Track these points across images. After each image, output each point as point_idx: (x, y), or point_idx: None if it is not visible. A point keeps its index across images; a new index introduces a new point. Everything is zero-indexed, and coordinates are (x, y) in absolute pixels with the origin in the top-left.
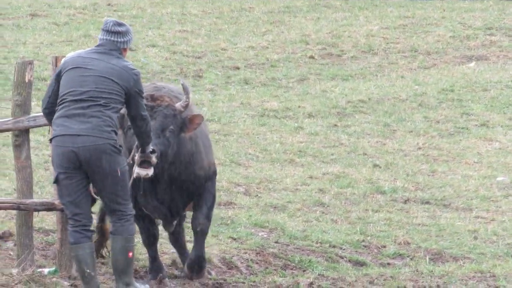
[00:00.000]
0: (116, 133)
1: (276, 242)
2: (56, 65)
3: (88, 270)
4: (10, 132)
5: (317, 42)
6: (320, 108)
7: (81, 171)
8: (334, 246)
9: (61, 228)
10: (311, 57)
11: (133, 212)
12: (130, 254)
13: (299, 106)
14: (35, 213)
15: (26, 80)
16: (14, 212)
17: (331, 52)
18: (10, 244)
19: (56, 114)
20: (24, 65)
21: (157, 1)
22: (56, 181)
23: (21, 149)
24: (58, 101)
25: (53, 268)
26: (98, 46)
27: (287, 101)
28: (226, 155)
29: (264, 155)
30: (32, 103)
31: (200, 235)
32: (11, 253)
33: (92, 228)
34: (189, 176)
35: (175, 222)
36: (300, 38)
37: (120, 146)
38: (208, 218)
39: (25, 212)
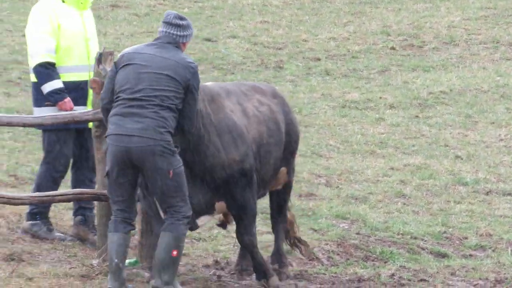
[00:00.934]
0: (170, 134)
1: (357, 234)
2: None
3: (116, 260)
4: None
5: (398, 33)
6: (401, 99)
7: (133, 170)
8: (415, 238)
9: (142, 219)
10: (392, 48)
11: (189, 213)
12: (175, 252)
13: (380, 97)
14: None
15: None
16: (95, 203)
17: (413, 43)
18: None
19: (112, 111)
20: (104, 56)
21: None
22: (107, 176)
23: (102, 140)
24: (114, 97)
25: (134, 259)
26: (156, 39)
27: (368, 92)
28: (307, 147)
29: (345, 147)
30: None
31: (248, 249)
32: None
33: (133, 222)
34: (204, 171)
35: (200, 222)
36: (381, 29)
37: (176, 146)
38: (249, 233)
39: (105, 203)
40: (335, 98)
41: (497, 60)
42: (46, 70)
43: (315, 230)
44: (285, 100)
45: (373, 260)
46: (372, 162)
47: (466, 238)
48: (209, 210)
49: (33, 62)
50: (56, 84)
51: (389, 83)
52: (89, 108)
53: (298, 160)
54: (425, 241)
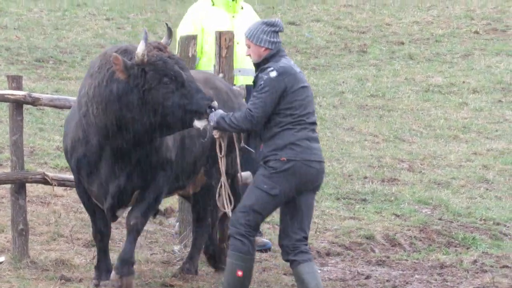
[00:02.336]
0: None
1: (440, 219)
2: (220, 40)
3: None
4: None
5: (482, 17)
6: (484, 83)
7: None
8: (498, 224)
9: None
10: (476, 32)
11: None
12: (239, 273)
13: (463, 82)
14: None
15: (190, 55)
16: None
17: (496, 27)
18: (172, 220)
19: (298, 134)
20: (187, 40)
21: None
22: (275, 196)
23: None
24: (292, 119)
25: None
26: (281, 51)
27: (451, 77)
28: (390, 131)
29: (428, 131)
30: None
31: (131, 232)
32: (173, 230)
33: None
34: (144, 157)
35: (121, 213)
36: (465, 13)
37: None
38: (145, 215)
39: None
40: (418, 83)
41: None
42: None
43: (397, 216)
44: (236, 104)
45: (455, 246)
46: (455, 147)
47: None
48: (127, 200)
49: None
50: None
51: (473, 67)
52: None
53: (381, 145)
54: (508, 227)
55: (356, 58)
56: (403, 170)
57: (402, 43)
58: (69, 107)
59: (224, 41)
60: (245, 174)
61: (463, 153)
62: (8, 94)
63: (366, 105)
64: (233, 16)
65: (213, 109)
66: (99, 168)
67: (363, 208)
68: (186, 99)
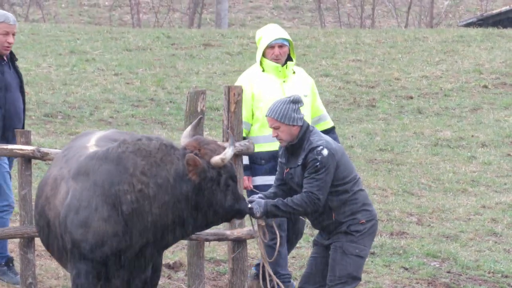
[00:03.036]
0: None
1: (448, 272)
2: (229, 95)
3: None
4: None
5: (491, 72)
6: (493, 137)
7: None
8: (506, 276)
9: (232, 258)
10: (485, 86)
11: None
12: None
13: (472, 136)
14: (206, 243)
15: (199, 110)
16: (185, 242)
17: (505, 81)
18: (181, 274)
19: (364, 194)
20: (196, 94)
21: (331, 31)
22: (365, 257)
23: None
24: (354, 182)
25: None
26: (310, 126)
27: (460, 131)
28: (399, 185)
29: (436, 185)
30: (205, 133)
31: None
32: (182, 283)
33: None
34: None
35: None
36: (474, 67)
37: None
38: None
39: (196, 242)
40: (427, 137)
41: None
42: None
43: (406, 269)
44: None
45: None
46: (463, 200)
47: None
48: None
49: None
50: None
51: (481, 121)
52: None
53: (389, 198)
54: None
55: (365, 113)
56: (412, 223)
57: (411, 98)
58: None
59: (233, 96)
60: None
61: (471, 206)
62: (17, 149)
63: (375, 159)
64: (283, 81)
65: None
66: (131, 262)
67: (372, 261)
68: (235, 200)
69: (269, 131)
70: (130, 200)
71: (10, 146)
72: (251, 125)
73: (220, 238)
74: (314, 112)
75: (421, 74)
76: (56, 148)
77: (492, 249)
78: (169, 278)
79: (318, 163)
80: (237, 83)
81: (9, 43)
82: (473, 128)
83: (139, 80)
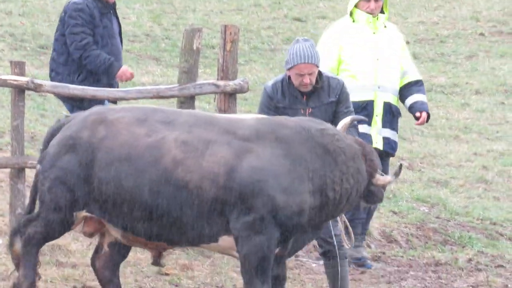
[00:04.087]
0: None
1: (437, 217)
2: (225, 34)
3: None
4: (176, 98)
5: (488, 19)
6: (487, 85)
7: None
8: (495, 223)
9: None
10: (481, 34)
11: None
12: None
13: (466, 83)
14: None
15: (194, 48)
16: None
17: (502, 29)
18: None
19: None
20: (192, 32)
21: None
22: None
23: None
24: None
25: None
26: None
27: (455, 77)
28: None
29: (429, 130)
30: (199, 71)
31: None
32: None
33: None
34: None
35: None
36: (471, 14)
37: None
38: None
39: None
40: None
41: None
42: None
43: (395, 213)
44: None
45: (451, 245)
46: (455, 146)
47: None
48: None
49: None
50: None
51: (476, 69)
52: (372, 130)
53: None
54: (505, 227)
55: None
56: (403, 168)
57: (407, 43)
58: (71, 95)
59: (229, 35)
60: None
61: (463, 153)
62: (11, 80)
63: None
64: (374, 33)
65: None
66: (300, 237)
67: None
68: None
69: (356, 81)
70: (336, 190)
71: (4, 77)
72: (337, 75)
73: None
74: (402, 67)
75: (418, 19)
76: (50, 80)
77: (481, 196)
78: None
79: (349, 97)
80: (324, 35)
81: None
82: (467, 75)
83: (136, 15)
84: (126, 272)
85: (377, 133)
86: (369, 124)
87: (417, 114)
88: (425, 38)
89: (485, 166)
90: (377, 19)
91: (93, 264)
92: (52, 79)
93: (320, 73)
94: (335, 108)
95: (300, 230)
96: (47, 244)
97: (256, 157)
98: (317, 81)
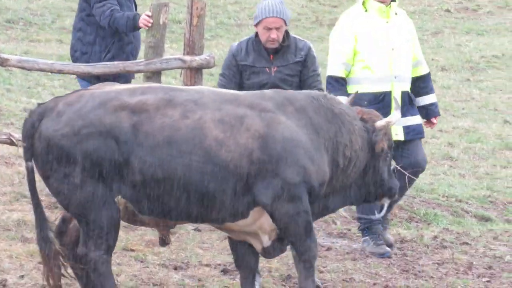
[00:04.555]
0: None
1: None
2: (192, 9)
3: None
4: (142, 73)
5: None
6: (453, 62)
7: None
8: (460, 201)
9: None
10: (447, 10)
11: None
12: None
13: (432, 59)
14: None
15: (161, 22)
16: None
17: (467, 6)
18: None
19: None
20: (159, 7)
21: None
22: None
23: None
24: None
25: None
26: None
27: None
28: None
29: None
30: (166, 46)
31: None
32: None
33: None
34: None
35: None
36: None
37: None
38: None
39: None
40: None
41: None
42: (335, 84)
43: None
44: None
45: (416, 222)
46: None
47: (510, 203)
48: None
49: (327, 71)
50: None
51: (442, 45)
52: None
53: None
54: (470, 204)
55: (327, 32)
56: None
57: None
58: (37, 69)
59: (196, 10)
60: None
61: (428, 130)
62: None
63: None
64: (387, 22)
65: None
66: None
67: None
68: (389, 176)
69: (372, 72)
70: (346, 156)
71: None
72: (352, 65)
73: None
74: (412, 57)
75: None
76: (16, 55)
77: (447, 173)
78: None
79: (316, 60)
80: (338, 25)
81: None
82: (433, 51)
83: None
84: None
85: (396, 124)
86: (388, 115)
87: (434, 120)
88: None
89: (450, 143)
90: (390, 7)
91: (61, 239)
92: (76, 59)
93: (287, 33)
94: (302, 69)
95: (318, 203)
96: (12, 219)
97: (286, 127)
98: (283, 40)
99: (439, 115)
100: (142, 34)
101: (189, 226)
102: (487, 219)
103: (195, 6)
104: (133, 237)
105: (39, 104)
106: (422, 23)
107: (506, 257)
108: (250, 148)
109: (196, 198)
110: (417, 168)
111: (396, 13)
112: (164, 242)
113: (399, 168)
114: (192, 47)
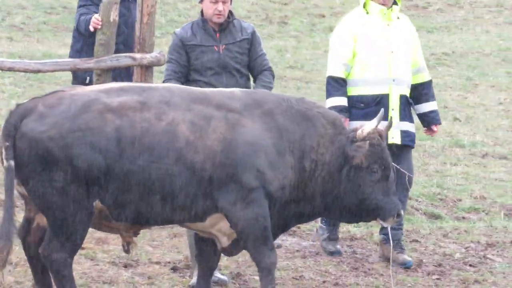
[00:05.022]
0: None
1: None
2: (142, 7)
3: None
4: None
5: None
6: None
7: None
8: (410, 198)
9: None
10: None
11: None
12: None
13: None
14: None
15: (111, 20)
16: None
17: (417, 3)
18: None
19: None
20: (109, 4)
21: None
22: None
23: None
24: None
25: None
26: None
27: None
28: None
29: None
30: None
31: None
32: None
33: None
34: None
35: None
36: None
37: None
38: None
39: None
40: None
41: (500, 24)
42: (335, 85)
43: None
44: None
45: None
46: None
47: (460, 200)
48: None
49: (327, 72)
50: (339, 101)
51: None
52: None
53: None
54: (420, 202)
55: (277, 29)
56: None
57: (323, 16)
58: None
59: (147, 7)
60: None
61: None
62: None
63: (285, 76)
64: (387, 25)
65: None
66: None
67: None
68: (382, 195)
69: (370, 74)
70: (313, 159)
71: None
72: (351, 67)
73: None
74: (413, 63)
75: None
76: None
77: None
78: None
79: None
80: (338, 27)
81: None
82: None
83: None
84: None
85: (393, 127)
86: (386, 119)
87: (434, 128)
88: (341, 12)
89: None
90: (391, 10)
91: (23, 238)
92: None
93: (230, 12)
94: (250, 48)
95: (280, 209)
96: None
97: (249, 131)
98: (228, 17)
99: (440, 123)
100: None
101: None
102: (437, 217)
103: (145, 4)
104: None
105: (17, 105)
106: None
107: (455, 255)
108: (214, 151)
109: (167, 201)
110: (409, 175)
111: (398, 17)
112: (128, 250)
113: (398, 168)
114: (142, 45)
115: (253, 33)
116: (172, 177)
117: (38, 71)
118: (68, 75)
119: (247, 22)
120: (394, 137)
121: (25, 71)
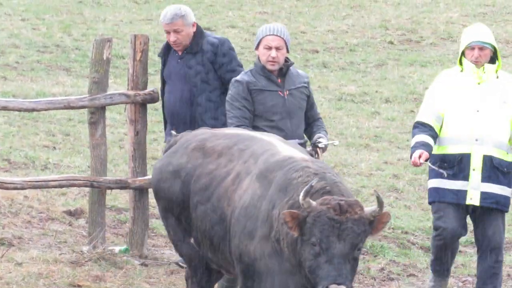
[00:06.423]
0: None
1: None
2: (135, 44)
3: None
4: (86, 109)
5: (397, 28)
6: (397, 93)
7: None
8: (406, 232)
9: (133, 207)
10: (390, 42)
11: None
12: None
13: (376, 91)
14: (108, 191)
15: (104, 58)
16: (87, 189)
17: (410, 38)
18: (82, 221)
19: None
20: (102, 42)
21: None
22: None
23: (97, 127)
24: None
25: (124, 247)
26: None
27: (364, 86)
28: None
29: (339, 139)
30: (109, 81)
31: None
32: (83, 230)
33: None
34: None
35: None
36: (380, 23)
37: None
38: None
39: (98, 190)
40: (332, 91)
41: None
42: (421, 127)
43: None
44: None
45: (363, 254)
46: (366, 155)
47: None
48: None
49: (416, 118)
50: (423, 138)
51: (386, 77)
52: (468, 185)
53: None
54: (416, 236)
55: None
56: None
57: (317, 51)
58: None
59: (139, 45)
60: None
61: (374, 162)
62: None
63: None
64: (478, 83)
65: None
66: None
67: None
68: (315, 269)
69: (453, 133)
70: (278, 230)
71: None
72: (442, 119)
73: (122, 186)
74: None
75: (327, 28)
76: None
77: (392, 205)
78: (69, 225)
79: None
80: (433, 83)
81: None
82: (377, 83)
83: (46, 26)
84: (39, 284)
85: (473, 188)
86: (466, 179)
87: None
88: (335, 47)
89: (395, 174)
90: (483, 69)
91: None
92: None
93: (287, 58)
94: (309, 95)
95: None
96: None
97: (248, 195)
98: (286, 61)
99: None
100: (86, 70)
101: (136, 261)
102: None
103: (138, 41)
104: (80, 273)
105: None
106: (365, 55)
107: None
108: (235, 207)
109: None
110: (486, 244)
111: (497, 76)
112: None
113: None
114: (136, 82)
115: (308, 82)
116: (217, 222)
117: (33, 110)
118: (63, 113)
119: (300, 70)
120: (473, 198)
121: (20, 110)
